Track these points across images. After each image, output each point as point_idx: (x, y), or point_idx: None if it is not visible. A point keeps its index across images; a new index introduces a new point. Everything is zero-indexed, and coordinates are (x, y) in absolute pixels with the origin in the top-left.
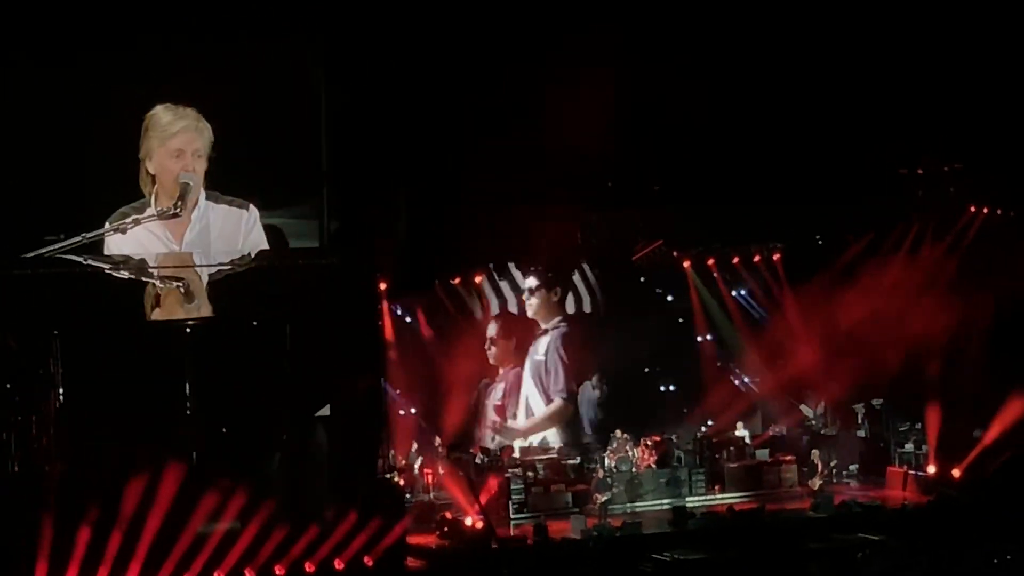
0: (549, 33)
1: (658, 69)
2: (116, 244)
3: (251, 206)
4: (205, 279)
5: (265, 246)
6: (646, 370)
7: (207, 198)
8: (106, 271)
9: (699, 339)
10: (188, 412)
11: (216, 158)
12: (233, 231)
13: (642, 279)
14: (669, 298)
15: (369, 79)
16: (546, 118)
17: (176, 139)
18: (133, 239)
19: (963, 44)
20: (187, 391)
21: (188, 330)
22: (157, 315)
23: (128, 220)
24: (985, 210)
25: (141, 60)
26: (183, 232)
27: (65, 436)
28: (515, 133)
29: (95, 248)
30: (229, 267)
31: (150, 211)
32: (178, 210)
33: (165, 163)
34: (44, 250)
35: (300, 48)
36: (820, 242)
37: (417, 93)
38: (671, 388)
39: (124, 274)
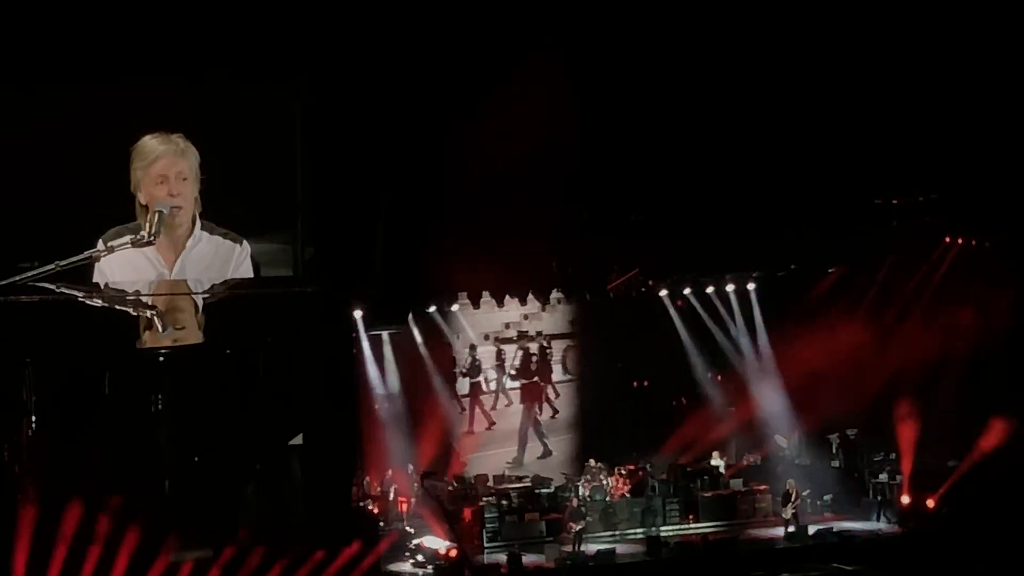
0: (525, 65)
1: (636, 100)
2: (108, 268)
3: (244, 241)
4: (201, 305)
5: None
6: (620, 399)
7: (202, 228)
8: (79, 299)
9: (673, 368)
10: (161, 441)
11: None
12: (223, 263)
13: (617, 308)
14: (644, 327)
15: (346, 112)
16: (521, 149)
17: (157, 164)
18: (126, 263)
19: (937, 76)
20: (161, 419)
21: (161, 359)
22: (147, 340)
23: (102, 248)
24: (960, 240)
25: (125, 93)
26: (175, 259)
27: (37, 465)
28: (490, 164)
29: (79, 274)
30: (207, 294)
31: (124, 239)
32: (152, 238)
33: (151, 191)
34: (17, 278)
35: (279, 84)
36: (795, 272)
37: (392, 125)
38: (646, 417)
39: (97, 302)
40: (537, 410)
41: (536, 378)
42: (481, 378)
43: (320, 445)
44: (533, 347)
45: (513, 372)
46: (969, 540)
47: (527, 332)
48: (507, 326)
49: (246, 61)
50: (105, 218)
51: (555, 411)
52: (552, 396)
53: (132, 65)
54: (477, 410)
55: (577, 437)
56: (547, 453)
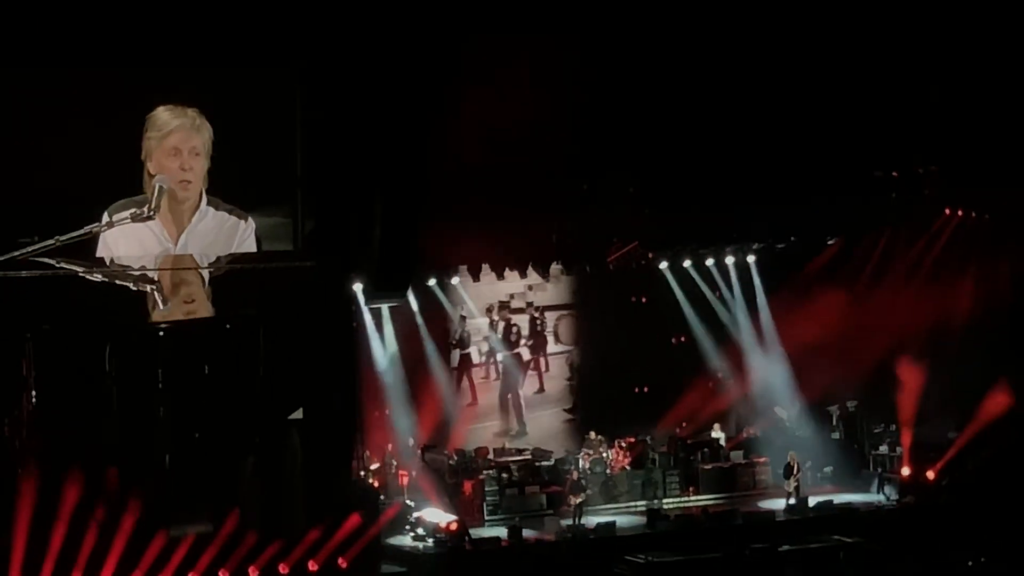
0: (523, 38)
1: (635, 72)
2: (113, 242)
3: (249, 217)
4: (207, 278)
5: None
6: (621, 371)
7: (208, 203)
8: (79, 274)
9: (674, 340)
10: (161, 415)
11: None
12: (227, 238)
13: (617, 280)
14: (644, 299)
15: (344, 88)
16: (521, 121)
17: (172, 138)
18: (131, 237)
19: (939, 48)
20: (160, 394)
21: (161, 333)
22: (157, 316)
23: (103, 223)
24: (959, 212)
25: (138, 70)
26: (180, 233)
27: (38, 438)
28: (490, 137)
29: (84, 248)
30: (210, 268)
31: (124, 214)
32: (152, 212)
33: (163, 162)
34: (17, 253)
35: (279, 65)
36: (795, 244)
37: (391, 100)
38: (646, 390)
39: (97, 277)
40: (521, 383)
41: (518, 350)
42: (472, 350)
43: (320, 419)
44: (516, 319)
45: (491, 344)
46: (969, 512)
47: (519, 305)
48: (511, 297)
49: (248, 45)
50: (113, 191)
51: (541, 386)
52: (542, 369)
53: (138, 48)
54: (466, 383)
55: (576, 410)
56: (522, 432)
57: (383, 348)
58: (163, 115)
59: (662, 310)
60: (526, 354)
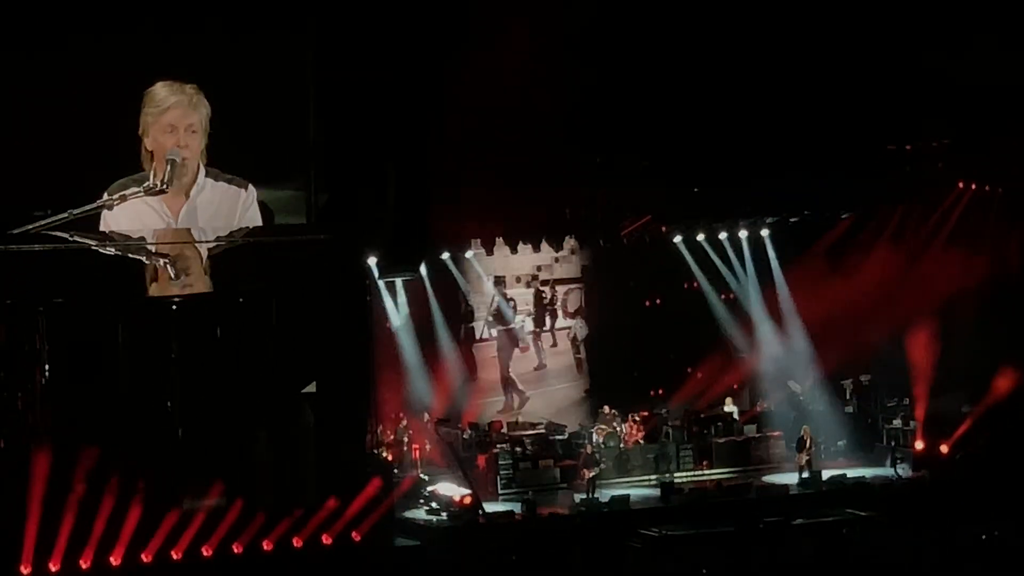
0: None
1: (649, 46)
2: (114, 218)
3: (250, 186)
4: (204, 253)
5: (260, 225)
6: (634, 345)
7: (207, 175)
8: (92, 247)
9: (688, 315)
10: (174, 389)
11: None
12: (230, 209)
13: (631, 253)
14: (658, 274)
15: (358, 58)
16: (536, 95)
17: (168, 114)
18: (131, 213)
19: (950, 22)
20: (172, 367)
21: (174, 307)
22: (154, 290)
23: (115, 197)
24: (973, 186)
25: (139, 41)
26: (180, 208)
27: (51, 413)
28: (505, 111)
29: (87, 224)
30: (222, 243)
31: (137, 187)
32: (164, 186)
33: (159, 139)
34: (31, 226)
35: (291, 31)
36: (808, 218)
37: (406, 72)
38: (660, 364)
39: (111, 251)
40: (514, 356)
41: (512, 325)
42: (483, 324)
43: (333, 393)
44: (512, 292)
45: (490, 319)
46: (982, 486)
47: (531, 280)
48: (537, 270)
49: (257, 9)
50: (111, 168)
51: (541, 362)
52: (546, 344)
53: (143, 14)
54: (477, 357)
55: (590, 384)
56: (507, 407)
57: (399, 319)
58: (161, 91)
59: (676, 284)
60: (536, 328)
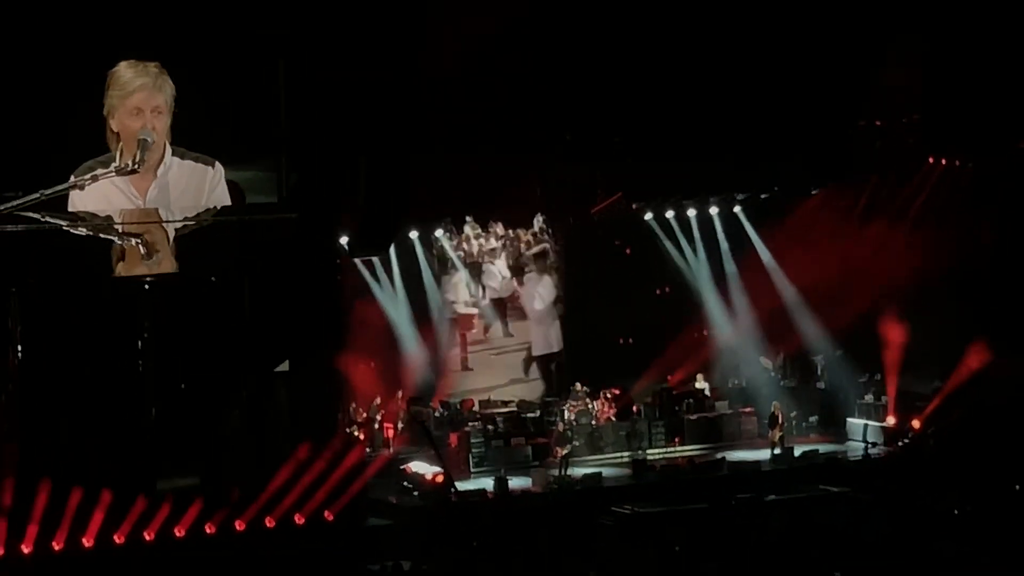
0: None
1: (620, 22)
2: (80, 199)
3: (216, 163)
4: (171, 234)
5: (228, 203)
6: (605, 323)
7: (173, 154)
8: (64, 228)
9: (658, 291)
10: (147, 369)
11: (177, 112)
12: (197, 187)
13: (601, 231)
14: (628, 250)
15: (328, 37)
16: (504, 72)
17: (134, 97)
18: (98, 194)
19: None
20: (145, 347)
21: (147, 287)
22: (121, 270)
23: (87, 176)
24: (943, 161)
25: (103, 17)
26: (147, 187)
27: (24, 393)
28: (473, 88)
29: (57, 204)
30: (191, 222)
31: (109, 168)
32: (136, 166)
33: (125, 121)
34: (1, 207)
35: (260, 9)
36: (779, 194)
37: (376, 50)
38: (630, 341)
39: (82, 231)
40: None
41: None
42: (454, 303)
43: (306, 372)
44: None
45: (460, 298)
46: (955, 461)
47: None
48: (489, 252)
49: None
50: (77, 150)
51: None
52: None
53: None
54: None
55: (561, 362)
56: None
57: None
58: (126, 72)
59: (647, 261)
60: (508, 305)
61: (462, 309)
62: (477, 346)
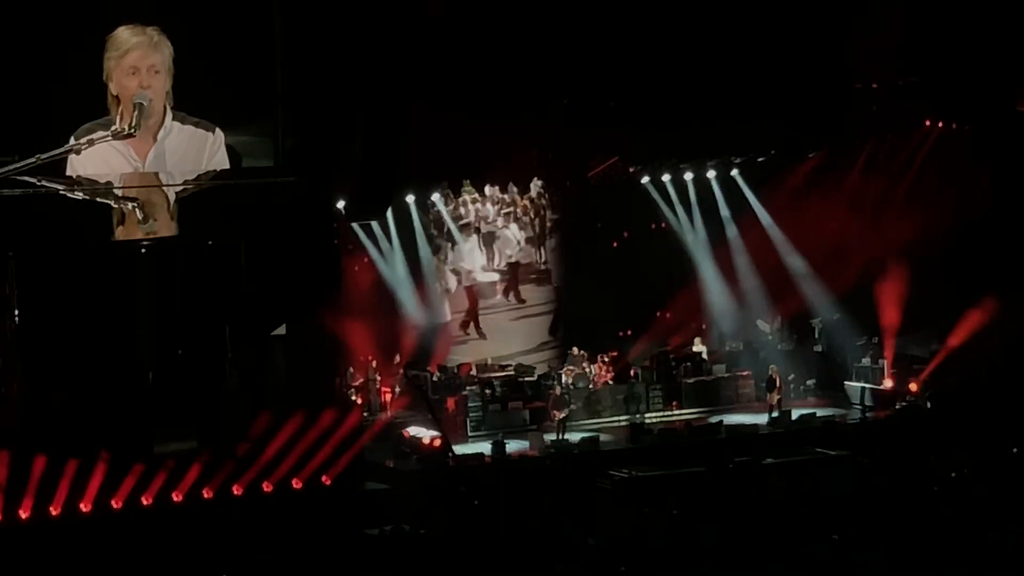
0: None
1: None
2: (80, 163)
3: (217, 129)
4: (172, 198)
5: (227, 168)
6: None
7: (174, 118)
8: (61, 192)
9: (656, 256)
10: (144, 333)
11: (176, 76)
12: (197, 152)
13: (598, 195)
14: (626, 214)
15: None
16: (502, 36)
17: (130, 56)
18: (98, 157)
19: None
20: (142, 311)
21: (143, 251)
22: (120, 234)
23: (83, 141)
24: (940, 124)
25: None
26: (147, 152)
27: (22, 358)
28: (471, 52)
29: (55, 168)
30: (189, 186)
31: (104, 131)
32: (132, 130)
33: (123, 82)
34: None
35: None
36: (776, 157)
37: (372, 8)
38: (628, 304)
39: (79, 195)
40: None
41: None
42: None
43: (303, 335)
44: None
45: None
46: (952, 424)
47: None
48: (504, 216)
49: None
50: (77, 114)
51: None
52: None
53: None
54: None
55: (557, 327)
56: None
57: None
58: (122, 34)
59: (643, 224)
60: (505, 270)
61: (481, 277)
62: (489, 311)
